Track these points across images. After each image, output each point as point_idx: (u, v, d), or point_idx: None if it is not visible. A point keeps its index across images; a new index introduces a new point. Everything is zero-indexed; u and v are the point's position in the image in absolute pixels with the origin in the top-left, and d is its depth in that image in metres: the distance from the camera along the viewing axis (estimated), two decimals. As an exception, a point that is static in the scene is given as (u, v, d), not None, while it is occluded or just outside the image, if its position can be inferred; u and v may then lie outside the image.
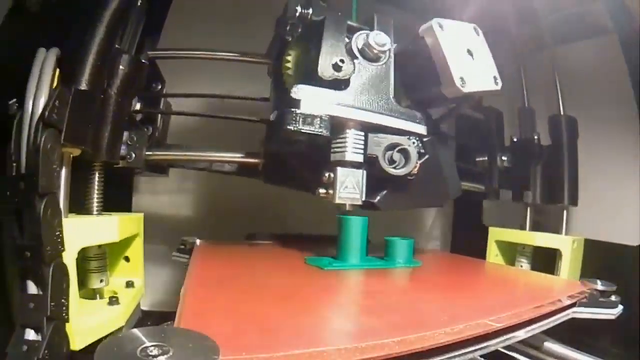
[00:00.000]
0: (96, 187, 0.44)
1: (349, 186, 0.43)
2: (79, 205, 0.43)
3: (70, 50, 0.36)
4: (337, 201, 0.42)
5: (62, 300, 0.31)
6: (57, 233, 0.32)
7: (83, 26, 0.38)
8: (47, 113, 0.30)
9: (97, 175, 0.44)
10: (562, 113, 0.69)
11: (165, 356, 0.20)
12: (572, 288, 0.44)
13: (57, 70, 0.35)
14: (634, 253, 0.61)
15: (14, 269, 0.31)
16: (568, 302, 0.39)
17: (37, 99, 0.32)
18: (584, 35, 0.71)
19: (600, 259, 0.63)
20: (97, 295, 0.44)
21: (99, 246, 0.43)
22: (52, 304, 0.30)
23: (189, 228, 0.78)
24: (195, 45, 0.56)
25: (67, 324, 0.33)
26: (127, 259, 0.50)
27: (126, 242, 0.49)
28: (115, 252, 0.48)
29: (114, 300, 0.41)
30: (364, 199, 0.44)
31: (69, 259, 0.34)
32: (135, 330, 0.22)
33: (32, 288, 0.30)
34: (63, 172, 0.36)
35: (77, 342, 0.34)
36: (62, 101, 0.32)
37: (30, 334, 0.30)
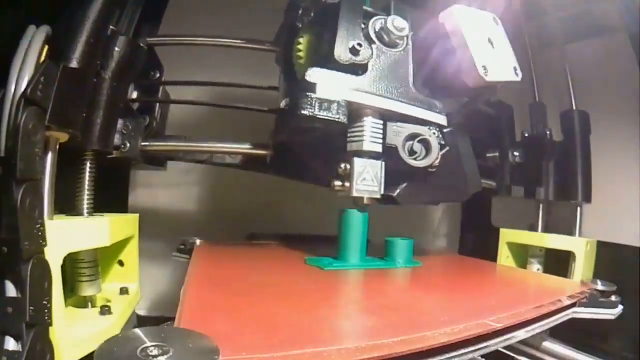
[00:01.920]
0: (87, 183, 0.40)
1: (367, 178, 0.40)
2: (68, 206, 0.40)
3: (61, 27, 0.33)
4: (355, 194, 0.39)
5: (44, 302, 0.28)
6: (38, 226, 0.28)
7: (76, 4, 0.35)
8: (30, 89, 0.27)
9: (87, 167, 0.40)
10: (574, 108, 0.67)
11: (165, 356, 0.19)
12: (572, 288, 0.43)
13: (46, 47, 0.32)
14: (635, 253, 0.60)
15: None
16: (568, 302, 0.39)
17: (22, 75, 0.29)
18: (591, 34, 0.70)
19: (601, 259, 0.61)
20: (89, 304, 0.41)
21: (90, 250, 0.39)
22: (32, 307, 0.26)
23: (189, 227, 0.76)
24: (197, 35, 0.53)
25: (53, 335, 0.29)
26: (121, 263, 0.47)
27: (120, 245, 0.45)
28: (108, 255, 0.45)
29: (105, 310, 0.38)
30: (382, 192, 0.41)
31: (54, 265, 0.30)
32: (136, 330, 0.22)
33: (10, 289, 0.27)
34: (48, 159, 0.32)
35: (64, 357, 0.31)
36: (49, 77, 0.28)
37: (10, 343, 0.27)
